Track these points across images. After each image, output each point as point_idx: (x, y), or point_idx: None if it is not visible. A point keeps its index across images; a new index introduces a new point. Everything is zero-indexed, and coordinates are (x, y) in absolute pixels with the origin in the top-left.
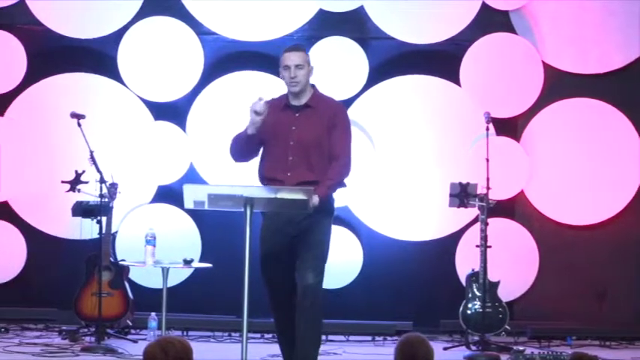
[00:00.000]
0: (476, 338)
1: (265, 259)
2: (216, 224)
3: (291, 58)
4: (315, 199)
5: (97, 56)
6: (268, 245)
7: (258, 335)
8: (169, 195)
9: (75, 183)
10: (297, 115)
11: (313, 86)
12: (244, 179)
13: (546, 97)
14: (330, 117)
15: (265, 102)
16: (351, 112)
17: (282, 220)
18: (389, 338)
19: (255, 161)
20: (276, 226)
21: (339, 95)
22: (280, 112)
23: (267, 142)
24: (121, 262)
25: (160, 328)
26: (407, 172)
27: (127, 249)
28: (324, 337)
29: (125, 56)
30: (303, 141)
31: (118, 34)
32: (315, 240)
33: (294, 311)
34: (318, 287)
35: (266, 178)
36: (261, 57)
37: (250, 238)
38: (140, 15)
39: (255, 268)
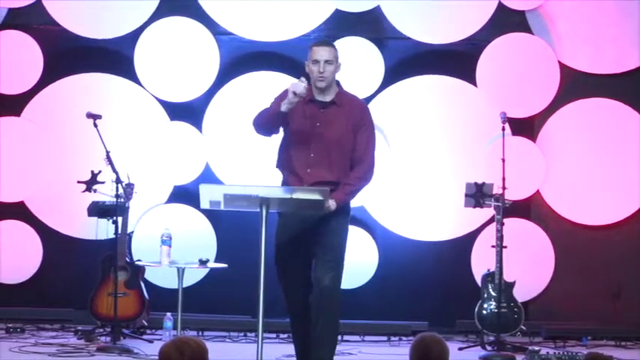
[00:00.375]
0: (491, 338)
1: (281, 259)
2: (231, 224)
3: (321, 53)
4: (332, 204)
5: (114, 56)
6: (283, 245)
7: (274, 335)
8: (185, 195)
9: (91, 183)
10: (322, 111)
11: (338, 83)
12: (260, 179)
13: (562, 97)
14: (356, 119)
15: (306, 87)
16: None
17: (297, 219)
18: (404, 338)
19: (271, 158)
20: (291, 225)
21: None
22: (304, 106)
23: (290, 133)
24: (136, 263)
25: (175, 328)
26: (423, 172)
27: (142, 249)
28: (339, 338)
29: (141, 56)
30: (326, 139)
31: (135, 35)
32: (332, 241)
33: (309, 311)
34: (336, 289)
35: (285, 169)
36: (278, 57)
37: (266, 238)
38: (156, 15)
39: (270, 268)
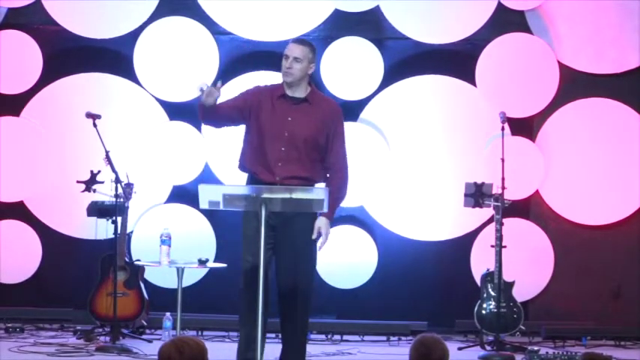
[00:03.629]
0: (490, 338)
1: (250, 254)
2: (231, 224)
3: (292, 49)
4: (325, 224)
5: (113, 56)
6: (254, 240)
7: (273, 335)
8: (184, 195)
9: (90, 183)
10: (293, 106)
11: (311, 84)
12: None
13: (562, 97)
14: (331, 119)
15: (218, 96)
16: (366, 113)
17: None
18: (404, 338)
19: None
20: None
21: (354, 95)
22: (276, 101)
23: (258, 128)
24: (136, 262)
25: (174, 328)
26: (422, 172)
27: (142, 249)
28: (338, 337)
29: (141, 56)
30: (298, 134)
31: (134, 34)
32: (305, 247)
33: (257, 308)
34: (311, 292)
35: (255, 165)
36: (277, 57)
37: (265, 238)
38: (156, 15)
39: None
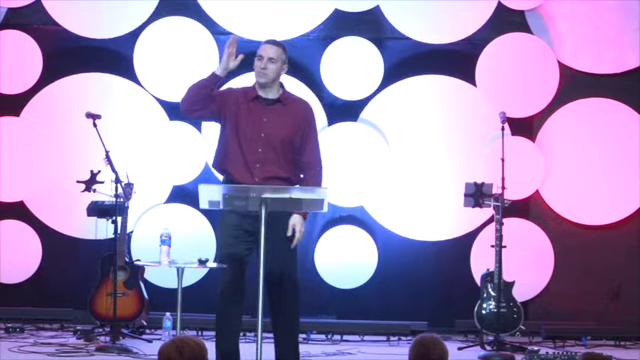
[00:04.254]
0: (490, 338)
1: (230, 255)
2: None
3: (266, 50)
4: (299, 221)
5: (113, 56)
6: (233, 241)
7: (271, 335)
8: (184, 195)
9: (90, 183)
10: (267, 107)
11: (282, 85)
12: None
13: (562, 97)
14: (304, 118)
15: (233, 59)
16: (366, 112)
17: (239, 216)
18: (404, 338)
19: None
20: (235, 222)
21: (354, 95)
22: (250, 102)
23: (235, 129)
24: (136, 262)
25: (174, 327)
26: (422, 172)
27: (142, 249)
28: (338, 337)
29: (141, 56)
30: (274, 135)
31: (134, 34)
32: (289, 241)
33: (240, 315)
34: (300, 288)
35: (231, 165)
36: None
37: (265, 238)
38: (156, 15)
39: None
